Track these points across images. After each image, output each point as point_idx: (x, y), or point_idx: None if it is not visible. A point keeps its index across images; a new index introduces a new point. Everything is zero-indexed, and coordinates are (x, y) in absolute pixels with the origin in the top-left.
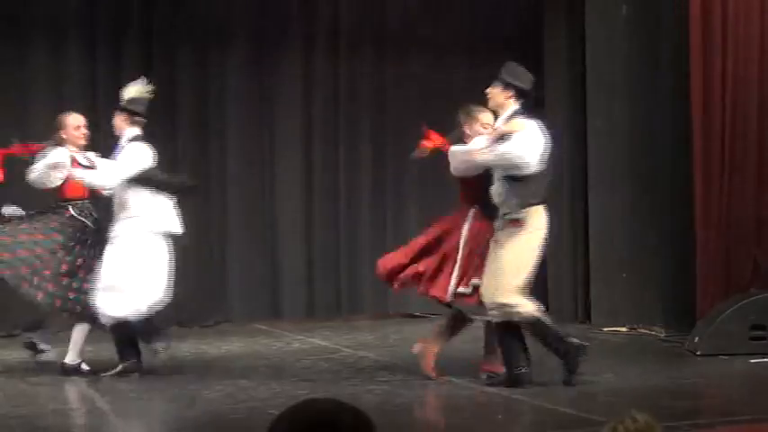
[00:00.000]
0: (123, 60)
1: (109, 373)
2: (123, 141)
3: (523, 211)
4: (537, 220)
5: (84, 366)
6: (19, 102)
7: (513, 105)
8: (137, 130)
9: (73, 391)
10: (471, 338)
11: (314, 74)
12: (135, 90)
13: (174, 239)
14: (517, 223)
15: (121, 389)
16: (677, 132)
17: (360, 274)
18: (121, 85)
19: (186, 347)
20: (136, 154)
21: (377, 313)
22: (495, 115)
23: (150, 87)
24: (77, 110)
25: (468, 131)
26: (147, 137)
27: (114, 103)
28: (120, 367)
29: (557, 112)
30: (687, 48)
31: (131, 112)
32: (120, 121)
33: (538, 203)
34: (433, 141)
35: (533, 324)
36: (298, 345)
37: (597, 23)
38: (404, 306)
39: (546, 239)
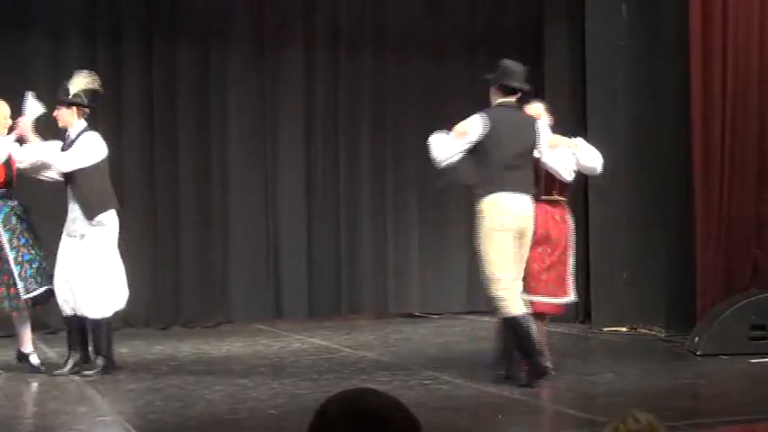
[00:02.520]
0: (123, 59)
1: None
2: (72, 134)
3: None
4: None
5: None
6: (18, 101)
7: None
8: (84, 123)
9: (72, 391)
10: (470, 339)
11: (314, 74)
12: (81, 82)
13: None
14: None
15: (121, 389)
16: (677, 132)
17: (360, 275)
18: (122, 81)
19: (187, 348)
20: (93, 144)
21: (377, 313)
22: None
23: (96, 78)
24: None
25: None
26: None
27: (113, 100)
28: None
29: (557, 112)
30: (687, 47)
31: (80, 105)
32: (67, 115)
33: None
34: None
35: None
36: (298, 345)
37: (597, 23)
38: (404, 306)
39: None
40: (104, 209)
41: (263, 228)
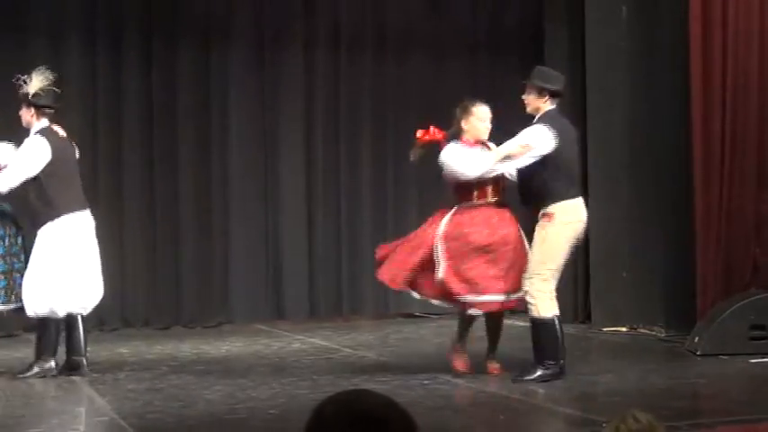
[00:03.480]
0: (123, 59)
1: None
2: (31, 134)
3: (552, 205)
4: (566, 215)
5: None
6: (18, 104)
7: (548, 107)
8: (45, 122)
9: (72, 391)
10: (470, 339)
11: (314, 74)
12: (38, 81)
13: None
14: (547, 217)
15: (121, 389)
16: (677, 132)
17: (361, 275)
18: (122, 82)
19: (187, 348)
20: (30, 153)
21: (377, 313)
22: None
23: (53, 76)
24: (77, 108)
25: (464, 126)
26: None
27: (113, 102)
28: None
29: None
30: (687, 48)
31: (38, 105)
32: (27, 116)
33: (570, 198)
34: (430, 134)
35: (540, 325)
36: (298, 345)
37: (597, 24)
38: (404, 306)
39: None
40: (48, 219)
41: (264, 228)
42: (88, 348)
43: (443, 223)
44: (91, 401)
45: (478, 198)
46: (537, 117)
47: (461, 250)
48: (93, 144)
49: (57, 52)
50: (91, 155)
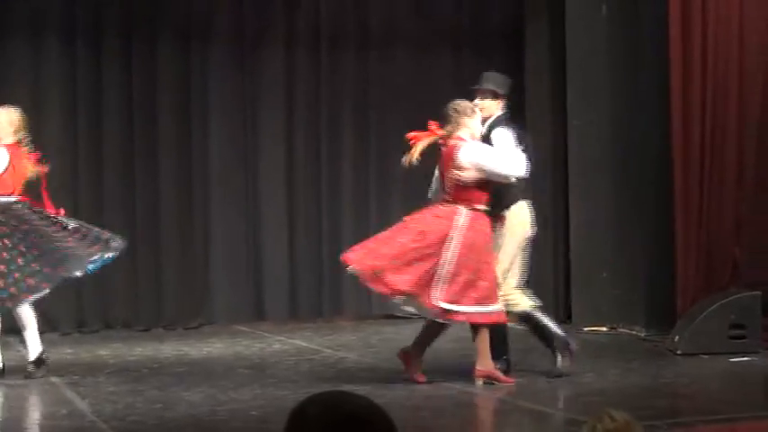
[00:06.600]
0: (103, 58)
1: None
2: None
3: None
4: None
5: None
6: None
7: (499, 112)
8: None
9: (52, 393)
10: (456, 339)
11: (296, 71)
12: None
13: None
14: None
15: (102, 391)
16: (657, 132)
17: (342, 276)
18: (102, 81)
19: (168, 349)
20: None
21: (358, 314)
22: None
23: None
24: (56, 108)
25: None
26: None
27: (93, 101)
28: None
29: (537, 112)
30: (667, 47)
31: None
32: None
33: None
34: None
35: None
36: (279, 346)
37: (577, 24)
38: (386, 307)
39: (529, 236)
40: None
41: (245, 228)
42: (68, 350)
43: None
44: (71, 404)
45: None
46: (492, 120)
47: None
48: (72, 144)
49: (36, 52)
50: (70, 155)
